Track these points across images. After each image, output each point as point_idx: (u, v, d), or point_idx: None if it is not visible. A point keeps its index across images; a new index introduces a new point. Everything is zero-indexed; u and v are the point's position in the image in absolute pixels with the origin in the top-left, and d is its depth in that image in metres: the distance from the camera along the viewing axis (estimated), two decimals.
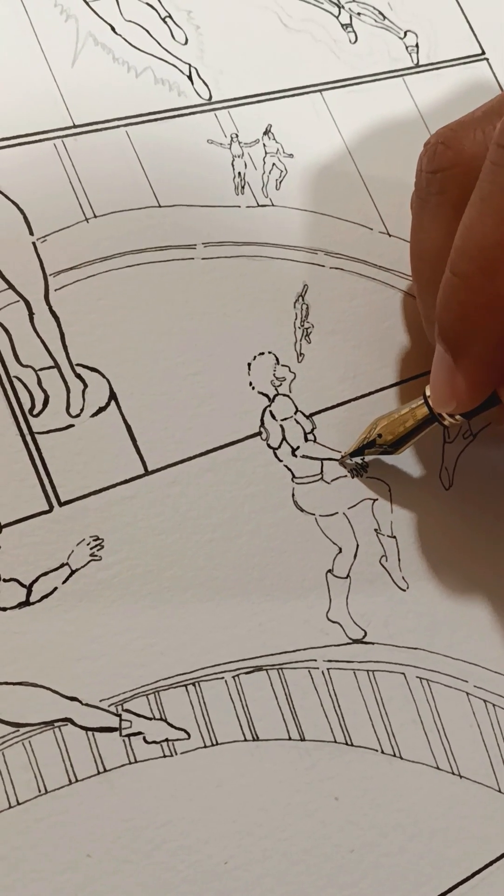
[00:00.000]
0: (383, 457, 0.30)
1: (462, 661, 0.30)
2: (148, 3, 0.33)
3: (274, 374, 0.30)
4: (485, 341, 0.25)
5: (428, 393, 0.28)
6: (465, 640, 0.30)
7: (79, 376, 0.28)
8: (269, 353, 0.30)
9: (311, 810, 0.27)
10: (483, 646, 0.30)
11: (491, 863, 0.28)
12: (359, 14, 0.36)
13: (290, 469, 0.30)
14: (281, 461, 0.30)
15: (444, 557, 0.31)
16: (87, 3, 0.32)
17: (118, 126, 0.31)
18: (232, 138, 0.32)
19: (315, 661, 0.28)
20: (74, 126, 0.30)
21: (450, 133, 0.27)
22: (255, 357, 0.30)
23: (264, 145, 0.33)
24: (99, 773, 0.25)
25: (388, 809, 0.28)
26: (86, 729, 0.25)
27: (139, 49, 0.32)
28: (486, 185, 0.24)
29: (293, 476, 0.30)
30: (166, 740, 0.26)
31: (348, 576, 0.29)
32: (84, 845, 0.25)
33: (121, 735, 0.26)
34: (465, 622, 0.30)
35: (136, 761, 0.26)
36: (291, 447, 0.30)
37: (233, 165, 0.32)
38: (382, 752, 0.28)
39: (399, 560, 0.30)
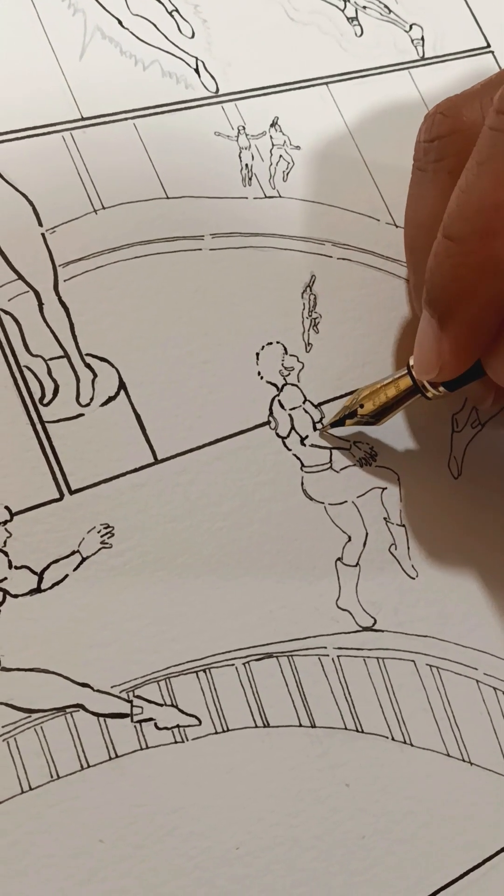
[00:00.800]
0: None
1: (472, 648, 0.30)
2: None
3: (282, 364, 0.30)
4: (474, 304, 0.25)
5: (412, 363, 0.28)
6: (474, 628, 0.30)
7: (88, 366, 0.28)
8: (278, 342, 0.31)
9: (321, 797, 0.27)
10: (493, 633, 0.30)
11: (501, 850, 0.28)
12: (364, 7, 0.36)
13: (299, 458, 0.30)
14: (290, 450, 0.30)
15: (454, 546, 0.31)
16: None
17: (126, 118, 0.31)
18: (239, 130, 0.32)
19: (325, 648, 0.28)
20: (83, 118, 0.31)
21: (449, 104, 0.27)
22: (263, 347, 0.30)
23: (271, 137, 0.33)
24: (111, 758, 0.25)
25: (399, 796, 0.28)
26: (97, 715, 0.25)
27: (146, 42, 0.32)
28: (484, 150, 0.24)
29: (302, 465, 0.30)
30: (177, 726, 0.26)
31: (358, 564, 0.29)
32: (96, 830, 0.25)
33: (132, 721, 0.26)
34: (475, 610, 0.30)
35: (147, 747, 0.26)
36: (300, 436, 0.30)
37: (240, 157, 0.32)
38: (393, 739, 0.28)
39: (408, 548, 0.30)
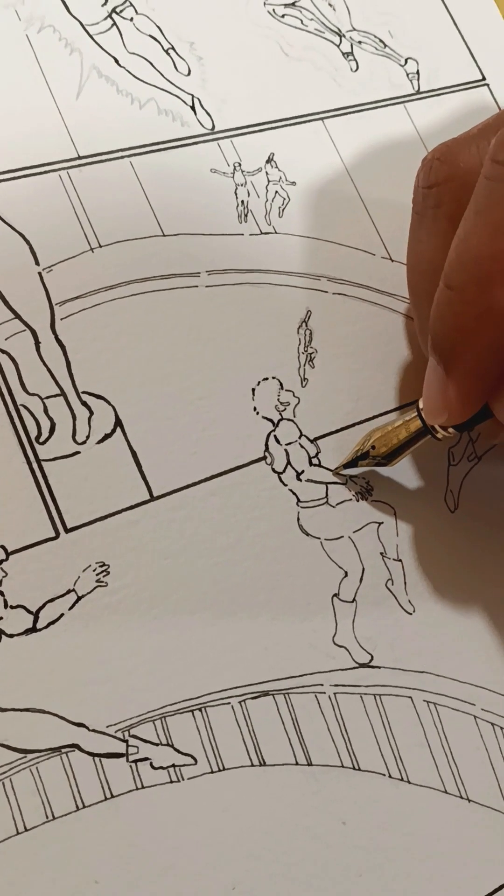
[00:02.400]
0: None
1: (469, 684, 0.30)
2: (151, 36, 0.33)
3: (278, 399, 0.31)
4: (476, 352, 0.25)
5: (421, 405, 0.29)
6: (472, 663, 0.30)
7: (84, 404, 0.28)
8: (273, 378, 0.31)
9: (318, 834, 0.27)
10: (490, 669, 0.30)
11: (500, 887, 0.28)
12: (360, 42, 0.36)
13: (294, 493, 0.30)
14: (286, 485, 0.30)
15: (451, 580, 0.31)
16: (91, 37, 0.32)
17: (122, 157, 0.31)
18: (235, 167, 0.33)
19: (321, 685, 0.28)
20: (79, 157, 0.31)
21: (446, 149, 0.28)
22: (259, 382, 0.31)
23: (267, 173, 0.33)
24: (106, 798, 0.25)
25: (396, 833, 0.27)
26: (93, 755, 0.25)
27: (142, 81, 0.33)
28: (480, 200, 0.24)
29: (298, 500, 0.30)
30: (173, 766, 0.26)
31: (354, 599, 0.29)
32: (91, 871, 0.25)
33: (128, 761, 0.26)
34: (472, 645, 0.30)
35: (143, 787, 0.26)
36: (296, 471, 0.30)
37: (236, 194, 0.32)
38: (390, 776, 0.28)
39: (405, 583, 0.30)
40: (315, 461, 0.30)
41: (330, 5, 0.36)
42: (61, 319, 0.29)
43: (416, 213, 0.29)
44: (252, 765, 0.27)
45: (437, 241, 0.27)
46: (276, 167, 0.33)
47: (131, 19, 0.33)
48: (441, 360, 0.26)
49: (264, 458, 0.30)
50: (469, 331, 0.25)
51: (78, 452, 0.28)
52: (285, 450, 0.30)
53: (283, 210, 0.33)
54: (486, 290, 0.24)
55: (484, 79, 0.38)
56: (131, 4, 0.33)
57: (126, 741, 0.26)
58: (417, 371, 0.32)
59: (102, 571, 0.27)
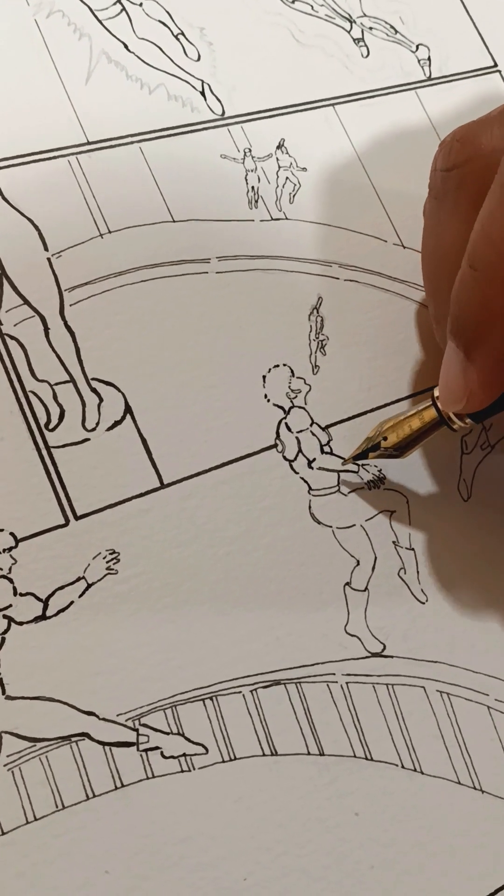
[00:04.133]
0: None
1: (483, 674, 0.29)
2: (160, 21, 0.33)
3: (289, 387, 0.30)
4: (503, 334, 0.25)
5: (436, 394, 0.28)
6: (485, 653, 0.30)
7: (94, 390, 0.28)
8: (285, 365, 0.30)
9: (330, 826, 0.26)
10: None
11: None
12: (370, 28, 0.36)
13: (306, 481, 0.30)
14: (297, 473, 0.30)
15: (464, 569, 0.30)
16: (101, 22, 0.32)
17: (132, 142, 0.31)
18: (245, 153, 0.32)
19: (334, 674, 0.28)
20: (88, 143, 0.31)
21: (466, 131, 0.27)
22: (270, 370, 0.30)
23: (277, 159, 0.33)
24: (116, 788, 0.25)
25: (409, 825, 0.27)
26: (103, 744, 0.25)
27: (152, 66, 0.32)
28: None
29: (310, 488, 0.29)
30: (184, 755, 0.26)
31: (366, 588, 0.29)
32: (102, 862, 0.24)
33: (138, 750, 0.25)
34: (486, 635, 0.30)
35: (153, 776, 0.25)
36: (307, 459, 0.30)
37: (246, 180, 0.32)
38: (403, 766, 0.28)
39: (418, 572, 0.30)
40: (327, 449, 0.30)
41: None
42: (70, 306, 0.29)
43: (433, 197, 0.28)
44: (264, 754, 0.26)
45: (459, 224, 0.27)
46: (287, 153, 0.33)
47: (140, 4, 0.33)
48: (462, 343, 0.25)
49: (275, 445, 0.30)
50: (495, 312, 0.24)
51: (87, 440, 0.28)
52: (297, 438, 0.30)
53: (293, 196, 0.33)
54: None
55: (496, 65, 0.38)
56: None
57: (137, 730, 0.25)
58: (431, 358, 0.32)
59: (113, 559, 0.27)
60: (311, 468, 0.30)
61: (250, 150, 0.33)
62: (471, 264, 0.25)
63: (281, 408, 0.30)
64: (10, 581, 0.26)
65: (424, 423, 0.29)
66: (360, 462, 0.30)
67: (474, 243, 0.24)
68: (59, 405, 0.28)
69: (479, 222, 0.24)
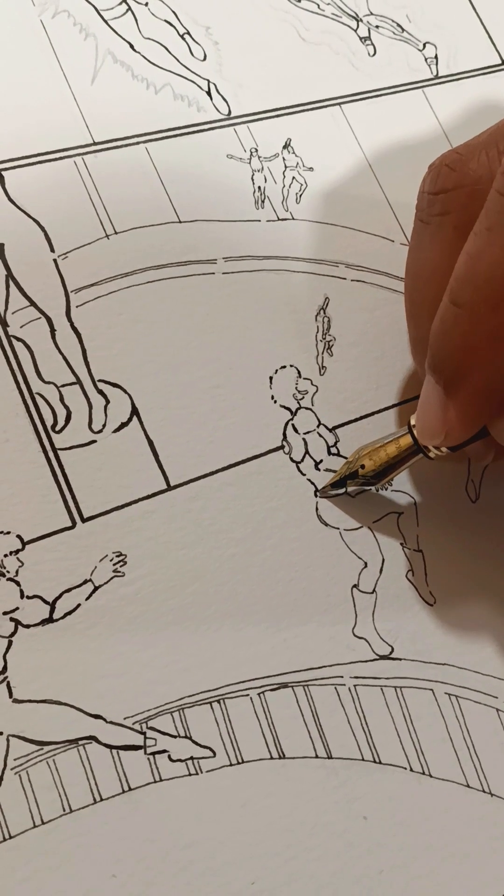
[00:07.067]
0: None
1: (492, 676, 0.29)
2: (166, 20, 0.33)
3: (296, 388, 0.30)
4: (484, 373, 0.24)
5: (412, 422, 0.28)
6: (494, 656, 0.29)
7: (101, 392, 0.28)
8: (291, 366, 0.30)
9: (338, 831, 0.26)
10: None
11: None
12: (377, 27, 0.36)
13: (313, 483, 0.29)
14: (304, 475, 0.29)
15: (472, 571, 0.30)
16: (106, 22, 0.32)
17: (138, 142, 0.31)
18: (251, 153, 0.32)
19: (341, 677, 0.28)
20: (94, 143, 0.31)
21: (455, 156, 0.27)
22: (276, 370, 0.30)
23: (284, 159, 0.33)
24: (123, 791, 0.25)
25: (418, 830, 0.27)
26: (110, 747, 0.25)
27: (158, 66, 0.32)
28: (493, 216, 0.23)
29: (317, 490, 0.29)
30: (191, 758, 0.26)
31: (374, 591, 0.29)
32: (109, 866, 0.24)
33: (145, 753, 0.25)
34: (495, 637, 0.30)
35: (160, 780, 0.25)
36: (314, 461, 0.30)
37: (252, 180, 0.32)
38: (411, 770, 0.27)
39: (426, 574, 0.30)
40: (334, 450, 0.30)
41: None
42: (77, 307, 0.29)
43: (419, 219, 0.28)
44: (271, 757, 0.26)
45: (442, 250, 0.26)
46: (293, 153, 0.33)
47: (146, 4, 0.33)
48: (442, 379, 0.25)
49: (282, 447, 0.29)
50: (477, 352, 0.24)
51: (94, 441, 0.28)
52: (303, 439, 0.30)
53: (300, 196, 0.32)
54: (498, 311, 0.23)
55: (503, 63, 0.37)
56: None
57: (144, 733, 0.25)
58: None
59: (119, 561, 0.27)
60: (319, 469, 0.30)
61: (257, 150, 0.32)
62: (453, 301, 0.24)
63: (288, 409, 0.30)
64: (17, 584, 0.26)
65: (401, 449, 0.28)
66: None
67: (458, 281, 0.24)
68: (66, 407, 0.28)
69: (463, 260, 0.24)
